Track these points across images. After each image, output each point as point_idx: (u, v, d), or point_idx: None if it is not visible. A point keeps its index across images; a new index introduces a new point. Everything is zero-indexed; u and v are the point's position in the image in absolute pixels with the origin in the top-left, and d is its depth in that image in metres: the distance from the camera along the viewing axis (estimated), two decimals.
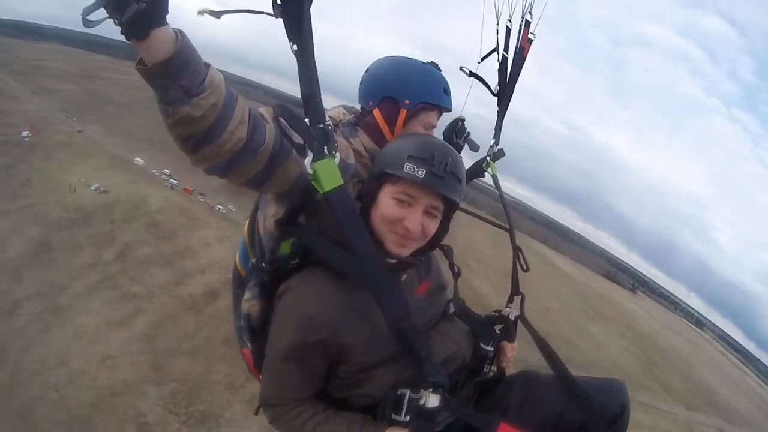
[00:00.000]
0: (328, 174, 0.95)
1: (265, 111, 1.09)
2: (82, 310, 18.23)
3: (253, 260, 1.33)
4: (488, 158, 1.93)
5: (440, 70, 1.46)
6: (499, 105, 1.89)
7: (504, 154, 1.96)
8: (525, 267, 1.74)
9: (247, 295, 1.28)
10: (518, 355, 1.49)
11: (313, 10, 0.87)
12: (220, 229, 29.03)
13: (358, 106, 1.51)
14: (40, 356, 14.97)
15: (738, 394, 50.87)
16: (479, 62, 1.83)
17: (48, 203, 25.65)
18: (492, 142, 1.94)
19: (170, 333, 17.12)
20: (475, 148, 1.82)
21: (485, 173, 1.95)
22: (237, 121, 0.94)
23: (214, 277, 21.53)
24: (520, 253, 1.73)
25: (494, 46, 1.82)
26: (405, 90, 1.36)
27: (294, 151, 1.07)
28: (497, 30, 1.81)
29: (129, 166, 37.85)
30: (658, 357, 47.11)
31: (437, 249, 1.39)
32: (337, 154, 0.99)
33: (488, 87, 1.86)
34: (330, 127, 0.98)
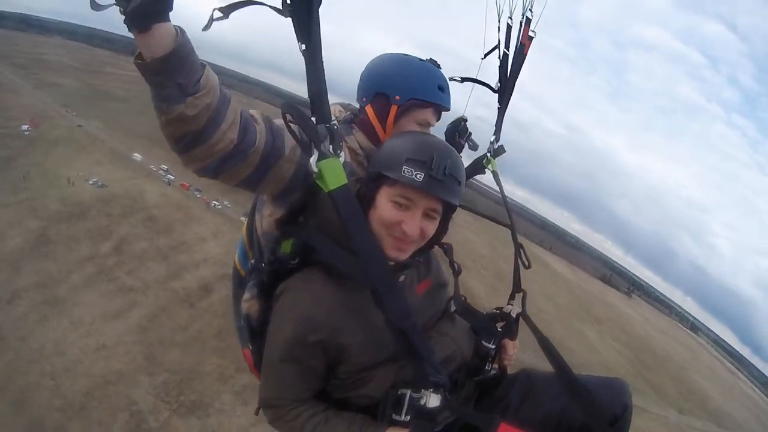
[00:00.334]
0: (332, 173, 0.96)
1: (256, 113, 1.10)
2: (78, 301, 18.51)
3: (253, 260, 1.33)
4: (489, 155, 1.92)
5: (439, 67, 1.43)
6: (499, 102, 1.89)
7: (504, 151, 1.95)
8: (527, 264, 1.72)
9: (246, 295, 1.28)
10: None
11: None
12: (215, 224, 29.40)
13: (356, 104, 1.50)
14: (37, 345, 15.29)
15: (731, 398, 50.07)
16: (482, 58, 1.84)
17: (47, 197, 25.94)
18: (492, 138, 1.93)
19: (164, 325, 17.44)
20: (474, 147, 1.82)
21: (486, 170, 1.95)
22: (229, 122, 0.95)
23: (208, 272, 21.95)
24: (521, 250, 1.71)
25: (495, 43, 1.82)
26: (396, 86, 1.34)
27: (286, 152, 1.09)
28: (498, 27, 1.81)
29: (128, 162, 38.04)
30: (651, 360, 46.40)
31: (437, 247, 1.37)
32: (342, 153, 1.01)
33: (488, 86, 1.86)
34: (336, 127, 0.99)
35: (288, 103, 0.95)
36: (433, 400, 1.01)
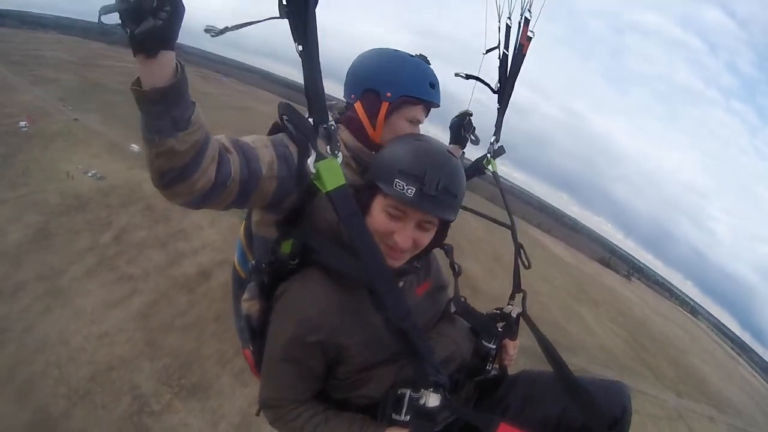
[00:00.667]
0: (330, 173, 0.95)
1: (225, 140, 1.09)
2: (80, 291, 18.87)
3: (253, 261, 1.32)
4: (488, 155, 1.94)
5: (429, 64, 1.39)
6: (499, 102, 1.89)
7: (504, 152, 1.97)
8: (527, 264, 1.70)
9: (247, 295, 1.29)
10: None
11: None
12: (212, 212, 28.83)
13: (339, 99, 1.47)
14: (41, 336, 15.63)
15: (730, 383, 49.92)
16: (484, 54, 1.84)
17: (46, 191, 26.21)
18: (492, 139, 1.94)
19: (164, 311, 17.74)
20: (476, 142, 1.85)
21: (486, 170, 1.97)
22: (209, 160, 0.95)
23: (206, 258, 22.20)
24: (522, 250, 1.69)
25: (494, 40, 1.82)
26: (387, 82, 1.29)
27: (263, 172, 1.11)
28: (499, 28, 1.80)
29: (125, 153, 38.17)
30: (650, 343, 46.16)
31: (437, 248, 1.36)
32: (340, 154, 1.00)
33: (488, 85, 1.87)
34: (333, 127, 0.98)
35: (285, 104, 0.98)
36: (432, 400, 1.01)
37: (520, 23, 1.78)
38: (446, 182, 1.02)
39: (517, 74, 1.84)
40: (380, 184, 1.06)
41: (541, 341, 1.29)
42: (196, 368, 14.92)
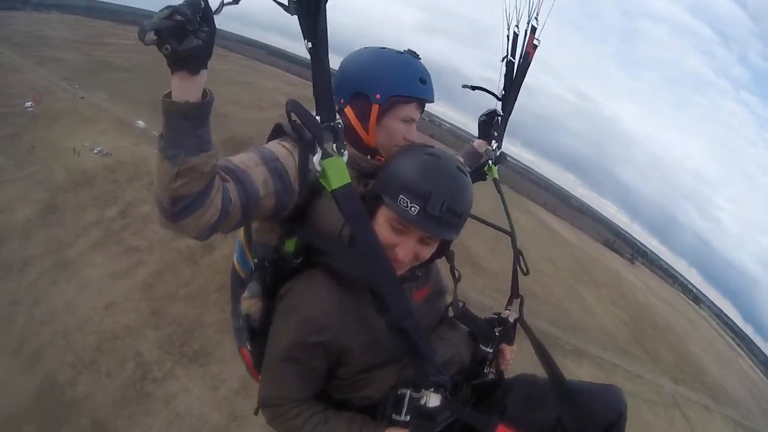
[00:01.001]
0: (336, 172, 0.95)
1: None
2: (87, 263, 19.12)
3: (255, 260, 1.31)
4: (490, 162, 1.95)
5: (419, 58, 1.35)
6: (503, 109, 1.93)
7: (506, 159, 1.99)
8: (525, 270, 1.72)
9: (247, 294, 1.28)
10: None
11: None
12: None
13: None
14: (49, 307, 15.90)
15: (729, 374, 48.28)
16: (502, 61, 1.88)
17: (53, 168, 26.42)
18: (494, 146, 1.96)
19: (168, 281, 17.86)
20: (499, 140, 1.92)
21: (486, 177, 1.97)
22: (216, 189, 0.94)
23: None
24: (521, 257, 1.72)
25: (503, 43, 1.86)
26: (375, 83, 1.26)
27: (261, 192, 1.08)
28: (508, 36, 1.85)
29: (132, 129, 38.13)
30: (650, 327, 44.69)
31: None
32: (346, 153, 1.00)
33: (494, 95, 1.91)
34: (340, 126, 0.99)
35: (292, 101, 0.97)
36: (433, 400, 1.03)
37: (526, 31, 1.83)
38: (451, 203, 1.03)
39: (522, 82, 1.87)
40: (385, 197, 1.06)
41: (537, 346, 1.34)
42: (198, 335, 15.30)
